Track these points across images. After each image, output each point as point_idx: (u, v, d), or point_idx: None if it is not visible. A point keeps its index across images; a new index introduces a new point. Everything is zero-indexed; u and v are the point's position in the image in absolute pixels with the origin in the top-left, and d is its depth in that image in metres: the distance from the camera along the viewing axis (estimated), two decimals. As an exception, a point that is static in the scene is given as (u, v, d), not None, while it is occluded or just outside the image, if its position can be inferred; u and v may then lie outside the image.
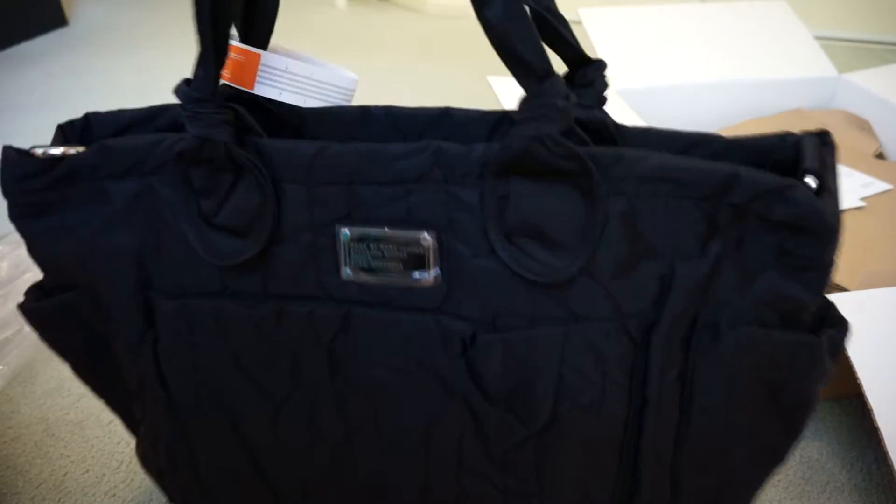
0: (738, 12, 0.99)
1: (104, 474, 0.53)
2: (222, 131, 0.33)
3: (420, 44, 1.54)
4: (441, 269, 0.33)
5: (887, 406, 0.45)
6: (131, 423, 0.44)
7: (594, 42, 0.90)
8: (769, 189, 0.29)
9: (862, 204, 0.65)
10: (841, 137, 0.83)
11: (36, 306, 0.38)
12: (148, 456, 0.45)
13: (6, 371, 0.61)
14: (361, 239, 0.34)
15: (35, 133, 1.06)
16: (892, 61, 1.45)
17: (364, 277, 0.34)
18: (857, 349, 0.47)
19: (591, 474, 0.37)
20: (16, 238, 0.78)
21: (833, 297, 0.51)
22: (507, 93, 0.81)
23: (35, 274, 0.71)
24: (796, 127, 0.91)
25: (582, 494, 0.38)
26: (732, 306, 0.32)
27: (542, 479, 0.37)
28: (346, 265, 0.34)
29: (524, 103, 0.30)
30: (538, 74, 0.29)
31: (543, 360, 0.34)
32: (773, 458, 0.36)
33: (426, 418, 0.37)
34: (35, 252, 0.37)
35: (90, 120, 0.39)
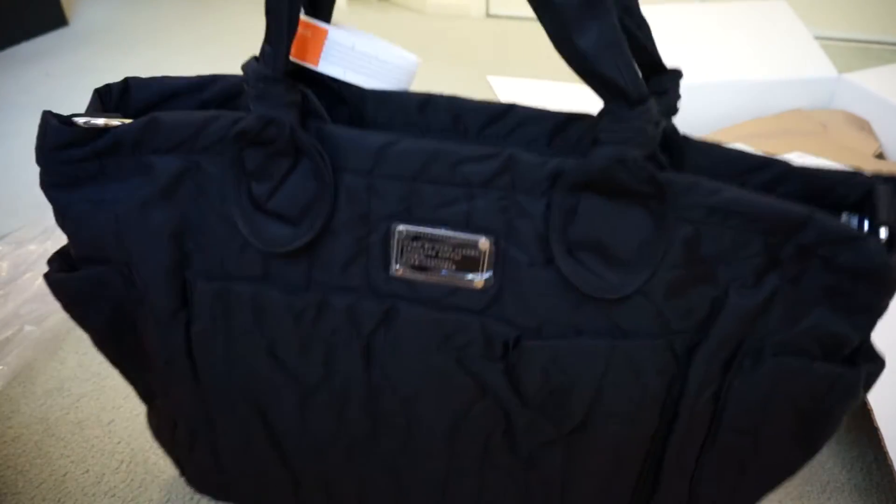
0: (738, 12, 0.99)
1: (104, 474, 0.53)
2: (289, 113, 0.32)
3: (420, 44, 1.54)
4: (494, 273, 0.33)
5: (887, 406, 0.45)
6: (146, 394, 0.44)
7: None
8: (841, 238, 0.30)
9: (862, 204, 0.65)
10: (841, 137, 0.83)
11: (63, 278, 0.37)
12: (163, 429, 0.45)
13: (6, 371, 0.61)
14: (416, 238, 0.33)
15: (35, 133, 1.06)
16: (892, 61, 1.45)
17: (413, 275, 0.34)
18: (857, 349, 0.47)
19: (613, 477, 0.38)
20: (16, 238, 0.78)
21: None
22: (507, 93, 0.81)
23: (35, 273, 0.71)
24: (797, 127, 0.91)
25: (603, 494, 0.38)
26: (778, 336, 0.32)
27: (565, 479, 0.38)
28: (396, 262, 0.34)
29: (612, 123, 0.30)
30: (631, 99, 0.29)
31: (585, 370, 0.34)
32: (786, 473, 0.37)
33: (455, 416, 0.37)
34: (67, 224, 0.36)
35: (130, 85, 0.38)
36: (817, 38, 0.99)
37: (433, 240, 0.33)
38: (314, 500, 0.43)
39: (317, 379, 0.37)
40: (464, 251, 0.33)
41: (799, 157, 0.76)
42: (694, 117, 0.90)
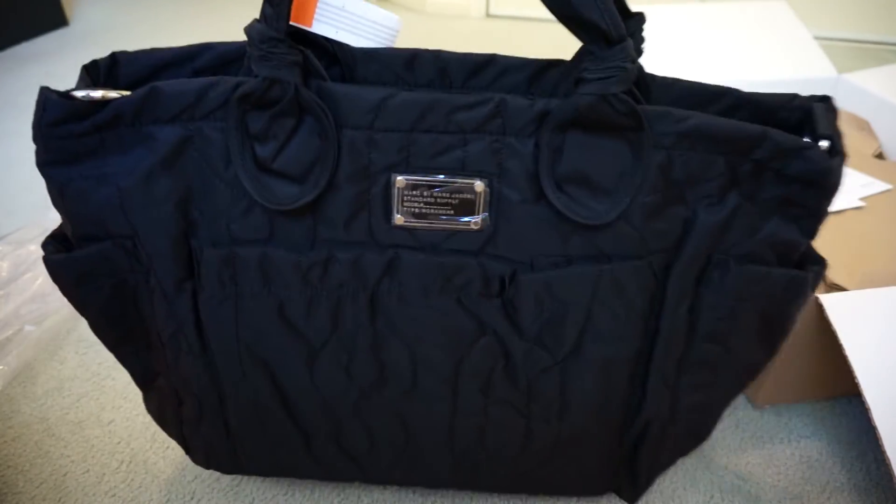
0: (738, 12, 0.99)
1: (104, 474, 0.53)
2: (292, 73, 0.33)
3: (420, 44, 1.54)
4: (489, 213, 0.36)
5: (885, 405, 0.45)
6: (145, 376, 0.44)
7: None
8: (791, 148, 0.34)
9: (861, 204, 0.65)
10: (841, 137, 0.83)
11: (62, 259, 0.37)
12: (166, 409, 0.45)
13: (6, 371, 0.61)
14: (415, 186, 0.35)
15: (35, 133, 1.06)
16: (892, 61, 1.45)
17: (413, 223, 0.36)
18: (856, 349, 0.47)
19: (605, 396, 0.41)
20: (16, 238, 0.78)
21: (832, 296, 0.51)
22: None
23: (35, 273, 0.71)
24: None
25: (596, 413, 0.42)
26: (740, 247, 0.36)
27: (563, 402, 0.41)
28: (397, 212, 0.36)
29: (592, 63, 0.32)
30: (611, 39, 0.31)
31: (576, 296, 0.37)
32: (751, 375, 0.41)
33: (458, 355, 0.39)
34: (66, 202, 0.36)
35: (118, 59, 0.38)
36: (817, 38, 0.98)
37: (431, 186, 0.35)
38: (326, 453, 0.45)
39: (324, 336, 0.39)
40: (461, 195, 0.35)
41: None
42: (694, 117, 0.90)
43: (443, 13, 1.79)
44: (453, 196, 0.35)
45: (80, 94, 0.33)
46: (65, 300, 0.69)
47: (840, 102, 0.93)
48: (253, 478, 0.53)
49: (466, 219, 0.36)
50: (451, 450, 0.44)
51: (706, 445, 0.56)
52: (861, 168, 0.73)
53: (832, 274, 0.56)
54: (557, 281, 0.36)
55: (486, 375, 0.40)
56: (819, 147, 0.34)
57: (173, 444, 0.55)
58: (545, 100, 0.34)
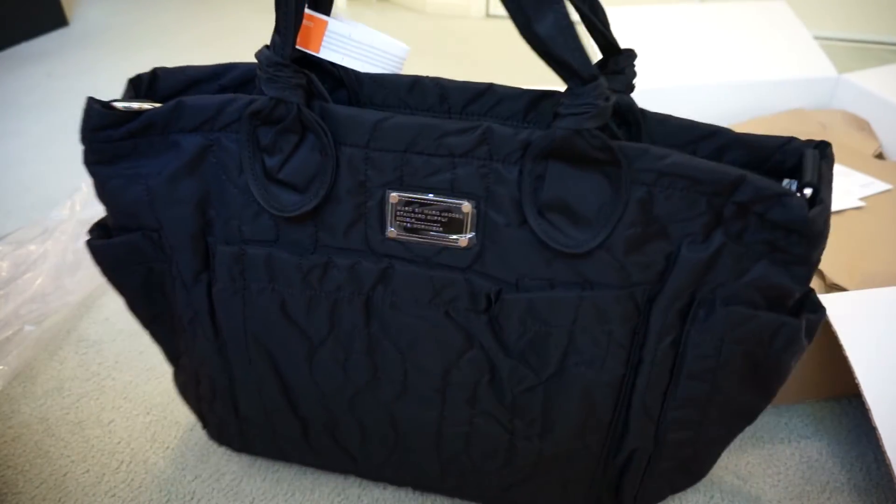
0: (738, 12, 0.99)
1: (104, 474, 0.53)
2: (296, 94, 0.36)
3: (420, 44, 1.54)
4: (476, 233, 0.38)
5: (885, 406, 0.45)
6: (172, 355, 0.49)
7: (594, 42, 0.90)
8: (769, 194, 0.34)
9: (861, 204, 0.65)
10: (841, 137, 0.83)
11: (102, 244, 0.42)
12: (188, 385, 0.50)
13: (6, 371, 0.61)
14: (408, 203, 0.38)
15: (36, 133, 1.06)
16: (892, 61, 1.45)
17: (405, 237, 0.39)
18: (856, 349, 0.47)
19: (588, 420, 0.42)
20: (16, 238, 0.78)
21: (832, 296, 0.51)
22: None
23: (35, 273, 0.71)
24: (796, 127, 0.91)
25: (579, 437, 0.43)
26: (727, 288, 0.37)
27: (546, 422, 0.42)
28: (391, 225, 0.38)
29: (568, 99, 0.34)
30: (583, 78, 0.33)
31: (559, 318, 0.38)
32: (745, 419, 0.42)
33: (447, 365, 0.41)
34: (106, 196, 0.41)
35: (157, 75, 0.42)
36: (817, 38, 0.99)
37: (423, 204, 0.38)
38: (322, 444, 0.48)
39: (323, 333, 0.42)
40: (450, 214, 0.38)
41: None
42: (693, 117, 0.90)
43: (443, 13, 1.79)
44: (443, 214, 0.37)
45: (121, 105, 0.38)
46: (65, 300, 0.69)
47: (840, 102, 0.93)
48: (253, 478, 0.53)
49: (455, 236, 0.38)
50: (438, 454, 0.46)
51: (706, 445, 0.56)
52: (861, 168, 0.73)
53: (832, 274, 0.56)
54: (540, 303, 0.38)
55: (473, 387, 0.42)
56: (797, 196, 0.34)
57: (173, 444, 0.56)
58: (529, 130, 0.35)
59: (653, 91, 0.85)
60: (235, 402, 0.47)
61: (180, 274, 0.42)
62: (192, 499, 0.51)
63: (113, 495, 0.51)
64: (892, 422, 0.45)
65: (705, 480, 0.53)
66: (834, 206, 0.65)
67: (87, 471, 0.53)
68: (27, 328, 0.65)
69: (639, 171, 0.35)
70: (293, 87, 0.36)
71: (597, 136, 0.34)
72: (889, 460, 0.44)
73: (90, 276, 0.72)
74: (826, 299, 0.49)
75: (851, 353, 0.47)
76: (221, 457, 0.55)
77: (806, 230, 0.34)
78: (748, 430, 0.57)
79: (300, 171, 0.38)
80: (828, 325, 0.51)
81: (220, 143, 0.38)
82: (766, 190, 0.34)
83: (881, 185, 0.69)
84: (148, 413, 0.58)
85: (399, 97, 0.42)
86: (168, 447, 0.55)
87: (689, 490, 0.52)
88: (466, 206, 0.37)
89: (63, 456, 0.54)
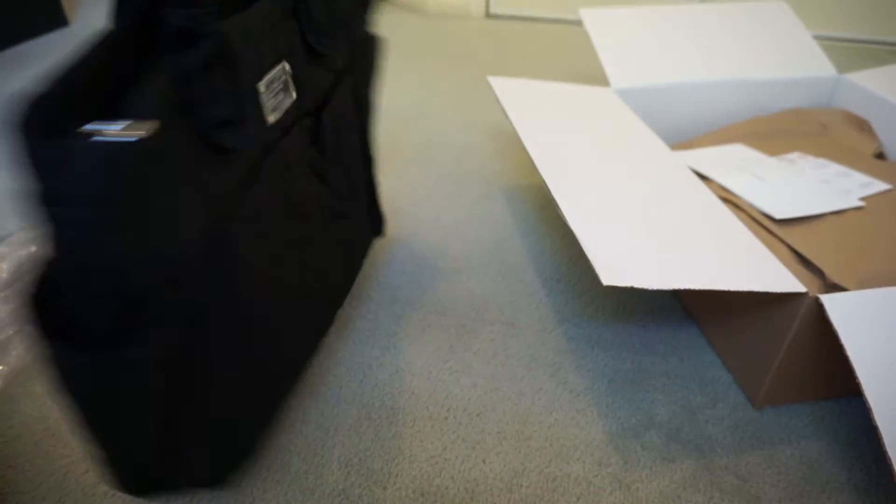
0: (737, 12, 0.99)
1: (104, 474, 0.53)
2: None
3: (420, 44, 1.54)
4: (295, 85, 0.48)
5: (886, 405, 0.45)
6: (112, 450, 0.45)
7: (594, 42, 0.90)
8: None
9: (861, 204, 0.65)
10: (840, 137, 0.83)
11: None
12: (143, 455, 0.45)
13: (6, 371, 0.61)
14: (269, 83, 0.45)
15: (35, 133, 1.06)
16: (892, 61, 1.45)
17: (273, 117, 0.46)
18: (857, 349, 0.47)
19: (358, 161, 0.63)
20: (17, 239, 0.78)
21: (832, 296, 0.51)
22: (507, 93, 0.81)
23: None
24: (797, 127, 0.90)
25: (360, 176, 0.64)
26: None
27: (350, 185, 0.61)
28: (269, 114, 0.45)
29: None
30: None
31: (345, 113, 0.55)
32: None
33: (309, 196, 0.53)
34: None
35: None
36: (817, 38, 0.98)
37: (272, 80, 0.45)
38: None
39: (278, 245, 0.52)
40: (283, 78, 0.46)
41: (799, 157, 0.76)
42: (693, 117, 0.90)
43: (443, 13, 1.79)
44: (281, 81, 0.46)
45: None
46: (65, 300, 0.69)
47: (840, 102, 0.93)
48: (253, 477, 0.53)
49: (283, 95, 0.47)
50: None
51: (706, 446, 0.56)
52: (861, 168, 0.73)
53: (832, 274, 0.56)
54: (337, 107, 0.55)
55: (317, 198, 0.56)
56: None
57: (173, 444, 0.56)
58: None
59: (652, 90, 0.85)
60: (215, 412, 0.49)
61: None
62: (192, 499, 0.51)
63: (113, 495, 0.51)
64: (894, 421, 0.45)
65: (705, 480, 0.53)
66: (834, 207, 0.65)
67: (88, 471, 0.53)
68: (27, 328, 0.65)
69: None
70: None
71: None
72: (889, 460, 0.44)
73: (90, 276, 0.72)
74: (826, 299, 0.49)
75: (852, 352, 0.47)
76: (221, 457, 0.55)
77: None
78: (748, 430, 0.57)
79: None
80: (828, 325, 0.51)
81: None
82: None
83: (881, 185, 0.69)
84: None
85: None
86: (168, 447, 0.55)
87: (690, 490, 0.52)
88: (286, 67, 0.47)
89: (63, 456, 0.54)
